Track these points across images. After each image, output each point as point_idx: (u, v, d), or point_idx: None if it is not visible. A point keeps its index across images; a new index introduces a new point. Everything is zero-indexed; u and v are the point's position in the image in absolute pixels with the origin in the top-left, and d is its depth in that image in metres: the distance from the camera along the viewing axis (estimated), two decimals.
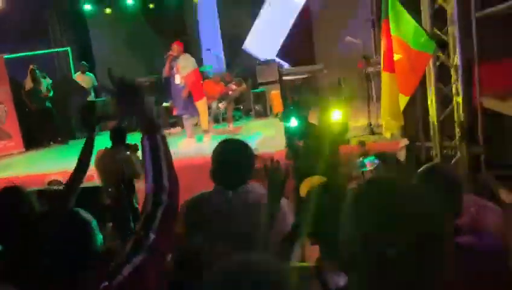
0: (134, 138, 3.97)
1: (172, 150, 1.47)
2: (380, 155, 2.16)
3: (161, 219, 1.37)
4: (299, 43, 10.25)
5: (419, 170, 1.80)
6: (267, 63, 9.79)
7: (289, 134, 4.51)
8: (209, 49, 10.45)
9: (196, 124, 8.26)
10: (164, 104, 9.38)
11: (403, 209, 0.90)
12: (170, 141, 1.51)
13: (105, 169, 4.40)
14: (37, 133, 9.38)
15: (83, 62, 10.46)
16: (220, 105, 8.79)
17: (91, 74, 10.39)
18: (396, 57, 4.45)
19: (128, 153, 4.43)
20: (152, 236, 1.35)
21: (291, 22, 10.15)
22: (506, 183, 4.54)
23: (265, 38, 10.34)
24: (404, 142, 5.70)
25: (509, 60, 4.72)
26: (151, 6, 11.12)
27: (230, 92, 8.92)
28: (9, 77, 9.32)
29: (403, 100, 4.56)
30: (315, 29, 10.47)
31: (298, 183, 2.27)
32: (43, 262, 1.31)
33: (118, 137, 4.49)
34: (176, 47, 7.33)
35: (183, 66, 7.29)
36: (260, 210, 1.85)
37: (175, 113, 8.32)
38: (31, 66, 9.14)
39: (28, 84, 9.18)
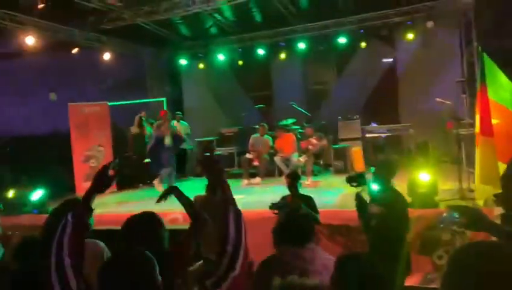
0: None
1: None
2: (456, 208, 2.05)
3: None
4: (384, 102, 10.22)
5: None
6: (350, 119, 9.83)
7: (360, 200, 3.79)
8: (292, 103, 10.70)
9: None
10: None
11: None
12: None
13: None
14: (130, 175, 9.93)
15: (178, 112, 11.23)
16: (301, 158, 8.88)
17: (185, 123, 11.08)
18: (493, 121, 4.29)
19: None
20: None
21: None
22: None
23: None
24: (499, 210, 5.33)
25: None
26: (240, 63, 11.85)
27: (310, 147, 9.00)
28: (111, 122, 10.19)
29: (501, 167, 4.33)
30: (400, 89, 10.40)
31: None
32: None
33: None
34: None
35: None
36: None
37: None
38: (140, 114, 10.06)
39: (134, 129, 10.05)
